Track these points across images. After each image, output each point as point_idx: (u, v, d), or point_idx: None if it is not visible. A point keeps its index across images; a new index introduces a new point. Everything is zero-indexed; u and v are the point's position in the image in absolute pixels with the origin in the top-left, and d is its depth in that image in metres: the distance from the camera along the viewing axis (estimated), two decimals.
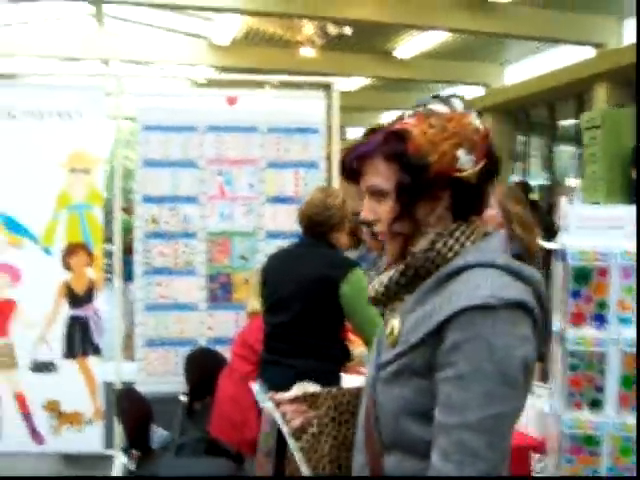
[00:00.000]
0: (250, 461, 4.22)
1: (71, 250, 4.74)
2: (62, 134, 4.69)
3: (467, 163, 1.37)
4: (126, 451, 3.42)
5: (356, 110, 17.87)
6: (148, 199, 4.84)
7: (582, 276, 2.35)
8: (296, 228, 4.78)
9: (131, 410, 3.66)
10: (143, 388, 4.74)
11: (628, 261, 2.32)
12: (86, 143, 4.71)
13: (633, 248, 2.31)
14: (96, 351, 4.77)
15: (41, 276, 4.69)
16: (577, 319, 2.36)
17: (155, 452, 3.75)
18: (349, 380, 3.81)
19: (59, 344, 4.73)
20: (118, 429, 4.76)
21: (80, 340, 4.76)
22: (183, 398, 4.40)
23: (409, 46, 12.07)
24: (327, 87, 5.04)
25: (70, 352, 4.75)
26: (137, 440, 3.61)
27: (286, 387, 3.35)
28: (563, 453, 2.38)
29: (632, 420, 2.32)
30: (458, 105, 1.42)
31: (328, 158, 5.01)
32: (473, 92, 13.74)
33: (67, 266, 4.73)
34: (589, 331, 2.36)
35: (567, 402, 2.37)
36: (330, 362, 3.29)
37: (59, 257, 4.72)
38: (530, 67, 12.50)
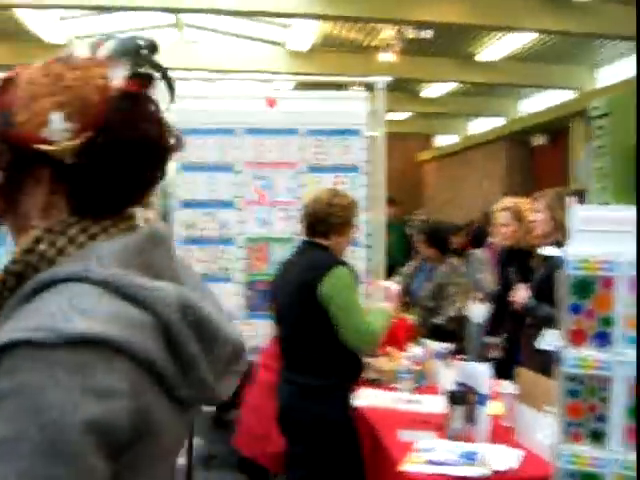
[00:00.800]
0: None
1: None
2: None
3: (58, 132, 0.95)
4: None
5: (442, 117, 17.50)
6: (185, 204, 4.74)
7: (583, 288, 2.04)
8: None
9: None
10: None
11: (634, 271, 2.00)
12: None
13: None
14: None
15: None
16: (577, 337, 2.05)
17: None
18: (366, 396, 3.57)
19: None
20: None
21: None
22: (208, 408, 4.25)
23: (494, 49, 11.63)
24: (371, 87, 4.80)
25: None
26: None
27: (292, 405, 3.18)
28: None
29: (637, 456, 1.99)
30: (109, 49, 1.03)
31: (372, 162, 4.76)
32: (563, 96, 13.14)
33: None
34: (590, 352, 2.04)
35: (565, 433, 2.05)
36: (330, 378, 3.05)
37: None
38: (624, 69, 11.83)
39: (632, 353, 1.99)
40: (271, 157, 4.72)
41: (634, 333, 1.99)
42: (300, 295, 3.04)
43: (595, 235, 2.03)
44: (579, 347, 2.04)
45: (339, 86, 4.81)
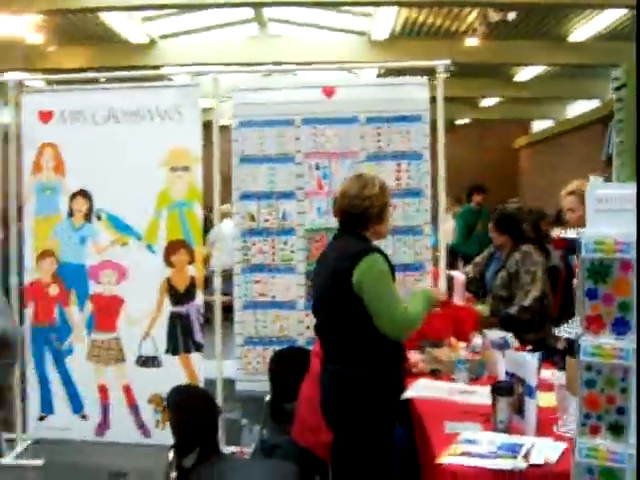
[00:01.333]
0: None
1: (172, 247, 4.78)
2: (162, 134, 4.74)
3: None
4: (178, 447, 3.33)
5: (537, 101, 16.94)
6: (246, 196, 4.77)
7: (599, 271, 1.92)
8: (397, 224, 4.58)
9: (196, 406, 3.59)
10: (241, 386, 4.72)
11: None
12: (184, 141, 4.73)
13: None
14: (198, 348, 4.78)
15: (145, 273, 4.77)
16: (594, 324, 1.93)
17: (220, 450, 3.65)
18: (421, 387, 3.51)
19: (163, 340, 4.79)
20: (220, 424, 4.76)
21: (182, 337, 4.78)
22: (268, 398, 4.27)
23: (585, 28, 11.15)
24: (432, 72, 4.68)
25: (173, 348, 4.79)
26: (200, 436, 3.55)
27: (329, 392, 3.15)
28: None
29: None
30: None
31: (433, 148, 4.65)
32: None
33: (169, 263, 4.78)
34: (608, 339, 1.91)
35: (583, 425, 1.94)
36: (364, 367, 3.00)
37: (161, 254, 4.77)
38: None
39: None
40: (330, 147, 4.69)
41: None
42: (334, 283, 2.99)
43: (613, 215, 1.90)
44: (596, 334, 1.92)
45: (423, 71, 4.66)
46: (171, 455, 3.25)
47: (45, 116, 4.86)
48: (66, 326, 4.87)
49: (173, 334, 4.79)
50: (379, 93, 4.71)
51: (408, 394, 3.42)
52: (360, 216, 3.03)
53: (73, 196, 4.85)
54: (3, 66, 9.82)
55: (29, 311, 4.90)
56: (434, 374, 3.85)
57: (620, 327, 1.90)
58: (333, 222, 4.57)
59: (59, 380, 4.88)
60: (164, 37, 11.36)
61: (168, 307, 4.78)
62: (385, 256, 2.99)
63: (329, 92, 4.70)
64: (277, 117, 4.72)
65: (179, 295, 4.78)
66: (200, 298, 4.76)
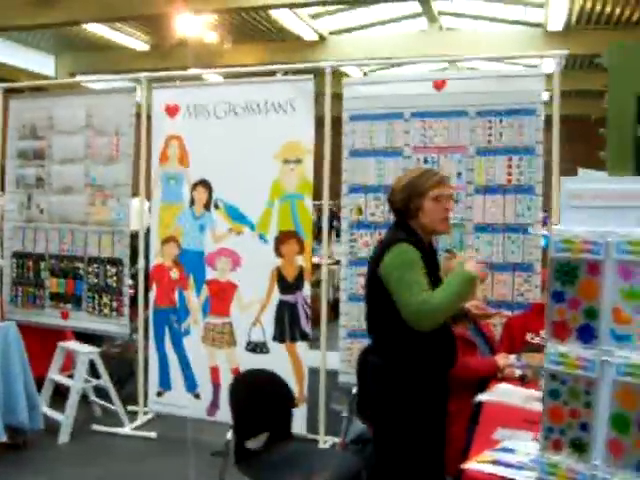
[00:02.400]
0: None
1: (283, 238, 4.90)
2: (276, 126, 4.87)
3: None
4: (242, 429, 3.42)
5: None
6: (354, 189, 4.78)
7: (566, 272, 1.75)
8: (507, 222, 4.41)
9: (264, 390, 3.66)
10: (344, 378, 4.74)
11: (629, 254, 1.66)
12: (297, 134, 4.83)
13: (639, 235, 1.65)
14: (304, 337, 4.87)
15: (257, 262, 4.94)
16: (560, 330, 1.76)
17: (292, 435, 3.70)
18: (498, 392, 3.37)
19: (271, 327, 4.93)
20: (322, 414, 4.83)
21: (289, 325, 4.89)
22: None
23: None
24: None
25: (280, 336, 4.91)
26: (275, 423, 3.62)
27: (365, 385, 3.11)
28: None
29: (628, 476, 1.66)
30: None
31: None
32: None
33: (279, 253, 4.90)
34: (574, 348, 1.74)
35: (545, 439, 1.79)
36: (393, 358, 2.94)
37: (272, 244, 4.91)
38: None
39: (620, 352, 1.67)
40: (439, 140, 4.58)
41: (624, 329, 1.67)
42: (368, 274, 3.02)
43: (586, 212, 1.74)
44: (562, 341, 1.76)
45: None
46: (229, 435, 3.34)
47: (171, 110, 5.17)
48: (184, 309, 5.15)
49: (281, 322, 4.91)
50: (491, 85, 4.52)
51: (481, 397, 3.29)
52: (394, 210, 3.05)
53: (194, 186, 5.12)
54: (182, 64, 10.51)
55: (152, 293, 5.23)
56: (522, 380, 3.66)
57: (585, 335, 1.72)
58: None
59: (176, 359, 5.18)
60: (333, 33, 11.57)
61: (277, 295, 4.91)
62: (414, 246, 2.89)
63: (439, 85, 4.58)
64: (387, 110, 4.68)
65: (288, 284, 4.89)
66: (307, 288, 4.84)
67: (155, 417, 5.33)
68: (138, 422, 5.27)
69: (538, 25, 10.91)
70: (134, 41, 12.26)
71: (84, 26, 10.88)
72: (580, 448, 1.73)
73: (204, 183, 5.10)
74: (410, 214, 2.98)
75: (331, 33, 11.46)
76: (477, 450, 2.65)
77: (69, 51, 13.02)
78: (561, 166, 4.36)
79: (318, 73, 4.94)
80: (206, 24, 10.10)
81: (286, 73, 4.86)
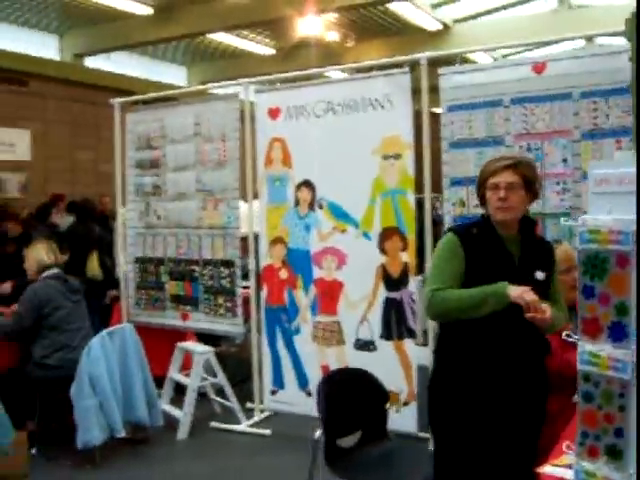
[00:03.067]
0: None
1: (386, 234, 4.86)
2: (374, 122, 4.84)
3: None
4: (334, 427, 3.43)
5: None
6: (455, 182, 4.66)
7: (594, 265, 1.62)
8: None
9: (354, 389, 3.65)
10: None
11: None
12: (396, 129, 4.77)
13: None
14: (411, 334, 4.81)
15: (362, 260, 4.92)
16: (591, 328, 1.64)
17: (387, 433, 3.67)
18: None
19: (378, 325, 4.90)
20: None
21: (396, 322, 4.85)
22: None
23: None
24: None
25: (387, 333, 4.88)
26: (368, 422, 3.61)
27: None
28: None
29: None
30: None
31: None
32: None
33: (383, 250, 4.87)
34: (606, 346, 1.61)
35: (580, 445, 1.66)
36: (442, 347, 2.92)
37: (376, 241, 4.88)
38: None
39: None
40: (542, 126, 4.38)
41: None
42: None
43: (613, 199, 1.60)
44: (594, 340, 1.63)
45: None
46: (318, 433, 3.35)
47: (274, 112, 5.25)
48: (294, 308, 5.22)
49: (387, 319, 4.87)
50: (595, 64, 4.26)
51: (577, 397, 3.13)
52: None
53: (299, 186, 5.18)
54: (306, 65, 10.65)
55: (263, 292, 5.34)
56: None
57: (617, 333, 1.59)
58: (547, 207, 4.38)
59: (288, 358, 5.26)
60: (458, 21, 11.32)
61: (383, 293, 4.87)
62: (457, 237, 2.83)
63: (539, 69, 4.38)
64: (485, 99, 4.53)
65: (393, 281, 4.84)
66: (412, 285, 4.77)
67: (271, 415, 5.44)
68: (255, 419, 5.40)
69: None
70: (258, 47, 12.57)
71: (210, 36, 11.28)
72: (615, 455, 1.60)
73: (307, 183, 5.14)
74: (482, 203, 2.93)
75: (456, 21, 11.22)
76: (558, 452, 2.52)
77: (199, 62, 13.54)
78: None
79: (441, 63, 4.81)
80: (327, 24, 10.18)
81: (413, 65, 4.75)
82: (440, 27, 11.02)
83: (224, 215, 5.54)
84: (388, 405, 3.78)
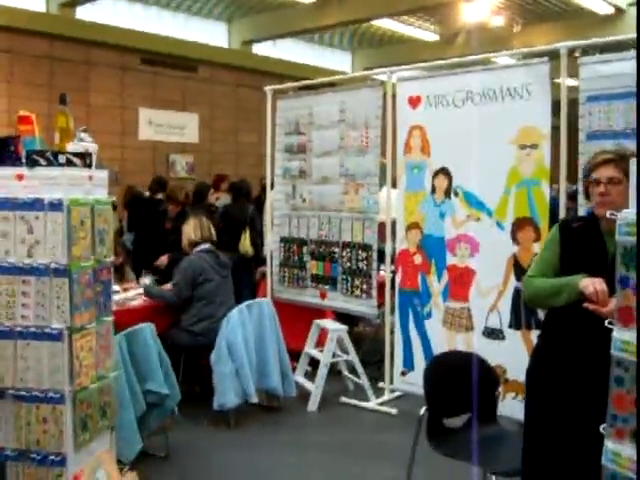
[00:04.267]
0: None
1: (519, 224, 4.87)
2: (512, 112, 4.84)
3: None
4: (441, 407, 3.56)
5: None
6: None
7: (630, 257, 1.67)
8: None
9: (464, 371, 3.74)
10: None
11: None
12: (533, 119, 4.75)
13: None
14: (538, 325, 4.78)
15: (495, 248, 4.97)
16: (625, 316, 1.69)
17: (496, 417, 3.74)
18: None
19: (507, 314, 4.93)
20: None
21: (525, 313, 4.85)
22: None
23: None
24: None
25: (516, 323, 4.89)
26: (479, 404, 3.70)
27: None
28: None
29: None
30: None
31: None
32: None
33: (515, 240, 4.88)
34: (635, 334, 1.66)
35: (610, 427, 1.72)
36: (544, 331, 3.02)
37: (509, 231, 4.90)
38: None
39: None
40: None
41: None
42: None
43: None
44: (628, 328, 1.69)
45: None
46: (422, 410, 3.49)
47: (414, 101, 5.38)
48: (427, 292, 5.34)
49: (517, 309, 4.89)
50: None
51: None
52: None
53: (436, 174, 5.28)
54: (471, 50, 10.59)
55: (398, 276, 5.51)
56: None
57: None
58: None
59: (419, 341, 5.40)
60: (632, 5, 10.78)
61: (513, 282, 4.89)
62: (561, 227, 2.93)
63: None
64: (626, 89, 4.41)
65: (524, 271, 4.81)
66: None
67: (401, 395, 5.61)
68: (384, 398, 5.59)
69: None
70: (423, 32, 12.61)
71: (374, 22, 11.46)
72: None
73: (444, 171, 5.23)
74: (587, 197, 2.96)
75: (630, 5, 10.70)
76: None
77: (364, 47, 13.78)
78: None
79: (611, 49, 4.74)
80: (493, 8, 10.06)
81: (586, 51, 4.71)
82: (612, 11, 10.56)
83: (364, 200, 5.75)
84: (499, 391, 3.83)
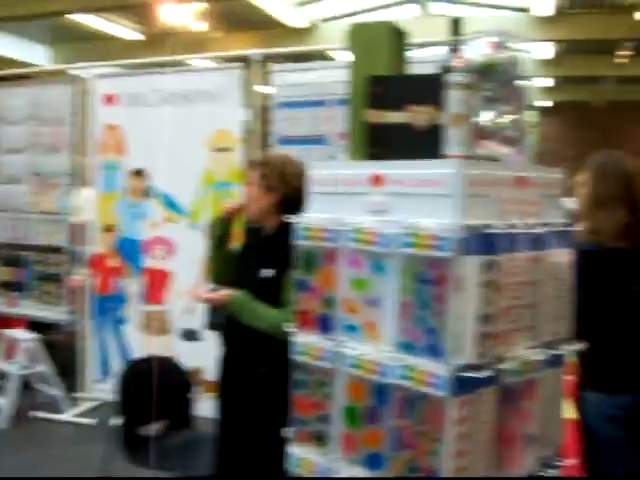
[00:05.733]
0: None
1: None
2: (207, 115, 4.87)
3: None
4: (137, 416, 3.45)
5: None
6: None
7: (307, 261, 1.74)
8: None
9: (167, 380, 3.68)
10: None
11: (355, 243, 1.63)
12: (227, 123, 4.82)
13: (373, 223, 1.61)
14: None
15: (190, 250, 4.94)
16: (304, 320, 1.76)
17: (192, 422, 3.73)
18: None
19: (202, 315, 4.93)
20: None
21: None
22: None
23: None
24: None
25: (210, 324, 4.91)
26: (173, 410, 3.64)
27: None
28: None
29: (360, 472, 1.64)
30: None
31: None
32: None
33: None
34: (316, 338, 1.73)
35: (296, 431, 1.78)
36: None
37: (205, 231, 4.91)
38: None
39: (353, 344, 1.65)
40: None
41: (354, 320, 1.65)
42: None
43: (332, 199, 1.72)
44: (306, 331, 1.75)
45: None
46: (115, 421, 3.36)
47: (109, 99, 5.20)
48: (123, 296, 5.19)
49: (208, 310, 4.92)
50: None
51: None
52: None
53: (131, 174, 5.15)
54: (172, 52, 10.53)
55: (93, 280, 5.28)
56: None
57: (325, 325, 1.71)
58: None
59: (116, 346, 5.23)
60: (325, 20, 11.52)
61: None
62: None
63: None
64: (311, 98, 4.64)
65: None
66: None
67: (101, 404, 5.38)
68: (82, 408, 5.34)
69: (526, 10, 10.71)
70: (128, 32, 12.32)
71: (74, 17, 10.95)
72: (322, 441, 1.72)
73: (140, 172, 5.12)
74: None
75: (324, 20, 11.45)
76: None
77: (64, 42, 13.14)
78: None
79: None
80: (196, 13, 10.11)
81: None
82: (306, 24, 11.21)
83: (57, 201, 5.43)
84: (193, 394, 3.83)
